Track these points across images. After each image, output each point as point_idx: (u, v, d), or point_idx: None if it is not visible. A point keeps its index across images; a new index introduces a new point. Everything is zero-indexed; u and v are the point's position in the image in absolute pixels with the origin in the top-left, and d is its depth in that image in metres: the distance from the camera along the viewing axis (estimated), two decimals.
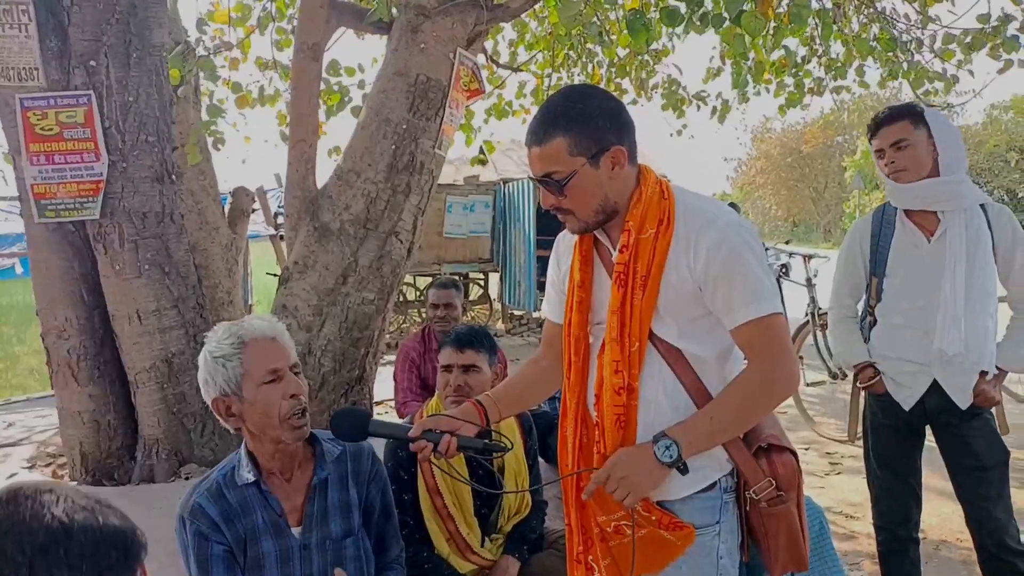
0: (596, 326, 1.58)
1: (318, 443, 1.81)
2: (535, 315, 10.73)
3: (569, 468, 1.61)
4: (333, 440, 1.83)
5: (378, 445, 2.06)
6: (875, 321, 2.60)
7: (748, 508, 1.53)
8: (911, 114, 2.43)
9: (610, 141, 1.45)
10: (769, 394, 1.47)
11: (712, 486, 1.51)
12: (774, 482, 1.49)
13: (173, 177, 3.76)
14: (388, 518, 1.94)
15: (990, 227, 2.38)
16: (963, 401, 2.38)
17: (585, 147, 1.44)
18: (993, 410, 2.48)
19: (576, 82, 6.72)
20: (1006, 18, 4.76)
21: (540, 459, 2.60)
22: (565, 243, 1.70)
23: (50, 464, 4.14)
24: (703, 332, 1.50)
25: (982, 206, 2.39)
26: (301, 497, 1.78)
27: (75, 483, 3.72)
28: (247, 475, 1.72)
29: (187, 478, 3.66)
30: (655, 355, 1.50)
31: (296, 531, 1.76)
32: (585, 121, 1.44)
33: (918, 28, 5.32)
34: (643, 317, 1.46)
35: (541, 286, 10.07)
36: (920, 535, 2.67)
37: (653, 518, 1.48)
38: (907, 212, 2.47)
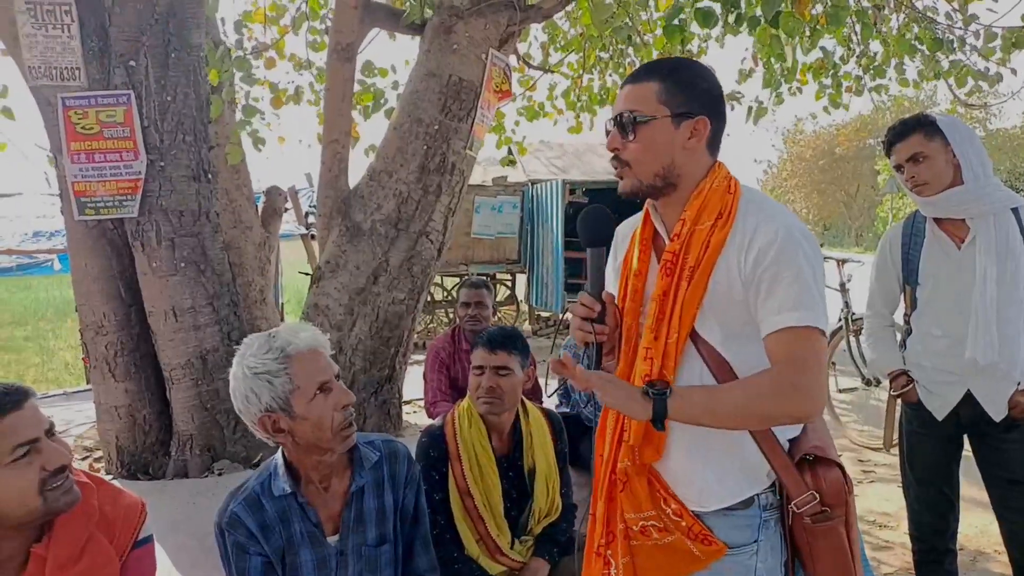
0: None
1: (356, 448, 1.79)
2: (562, 316, 10.72)
3: (604, 458, 1.56)
4: (370, 444, 1.83)
5: (410, 443, 2.07)
6: (911, 330, 2.56)
7: (791, 523, 1.45)
8: (923, 125, 2.36)
9: (699, 110, 1.43)
10: (784, 400, 1.33)
11: (749, 503, 1.44)
12: (818, 496, 1.40)
13: (209, 176, 3.82)
14: (418, 523, 1.91)
15: (1023, 231, 2.31)
16: (997, 413, 2.33)
17: (674, 101, 1.41)
18: None
19: (608, 83, 6.70)
20: None
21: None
22: (623, 233, 1.65)
23: (86, 458, 4.21)
24: (751, 341, 1.41)
25: (1015, 210, 2.33)
26: (338, 505, 1.77)
27: (111, 476, 3.78)
28: (284, 486, 1.71)
29: (220, 474, 3.71)
30: (695, 355, 1.44)
31: (332, 540, 1.75)
32: (684, 80, 1.43)
33: (959, 27, 5.21)
34: (684, 309, 1.40)
35: (568, 287, 10.06)
36: (957, 547, 2.62)
37: (684, 524, 1.44)
38: (937, 220, 2.42)
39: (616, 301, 1.56)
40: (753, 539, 1.44)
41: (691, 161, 1.44)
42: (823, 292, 1.40)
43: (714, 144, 1.47)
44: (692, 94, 1.42)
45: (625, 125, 1.43)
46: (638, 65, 6.26)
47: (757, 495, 1.45)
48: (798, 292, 1.35)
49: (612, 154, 1.48)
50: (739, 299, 1.40)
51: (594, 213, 1.55)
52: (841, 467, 1.45)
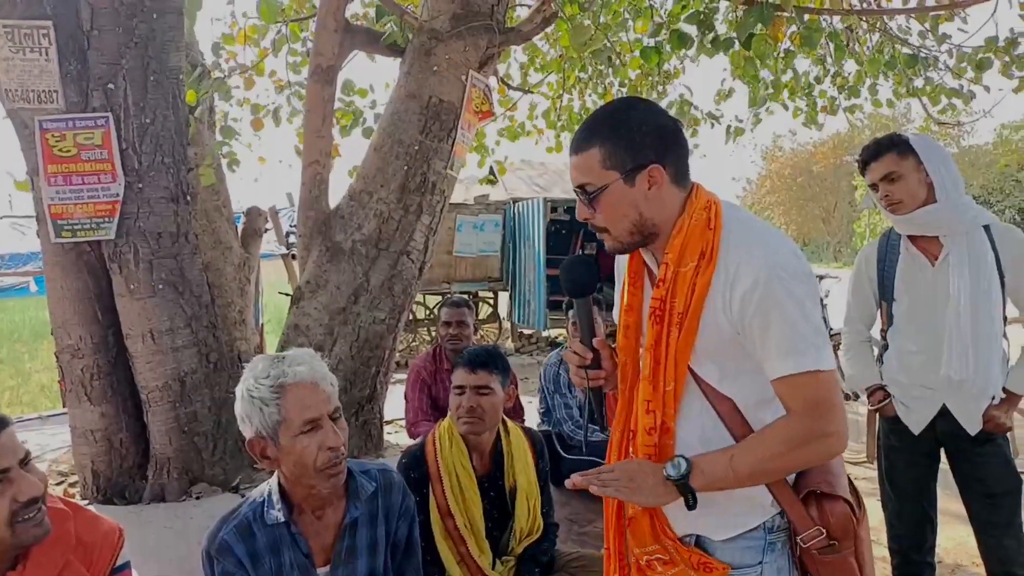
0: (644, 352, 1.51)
1: (352, 478, 1.76)
2: (544, 334, 10.74)
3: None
4: (366, 474, 1.81)
5: (391, 463, 2.06)
6: (888, 345, 2.60)
7: (800, 553, 1.44)
8: (896, 145, 2.41)
9: (648, 158, 1.37)
10: (809, 450, 1.34)
11: (755, 528, 1.44)
12: (824, 531, 1.39)
13: (188, 198, 3.80)
14: (411, 555, 1.89)
15: (995, 248, 2.36)
16: (972, 427, 2.37)
17: (619, 161, 1.37)
18: (1008, 434, 2.46)
19: (588, 103, 6.77)
20: (1015, 37, 4.78)
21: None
22: (622, 264, 1.62)
23: (61, 482, 4.14)
24: (751, 376, 1.39)
25: (986, 227, 2.37)
26: (331, 536, 1.74)
27: (87, 501, 3.72)
28: (277, 514, 1.67)
29: (198, 497, 3.66)
30: (696, 395, 1.42)
31: (323, 571, 1.73)
32: (624, 134, 1.37)
33: (933, 47, 5.34)
34: (678, 357, 1.37)
35: (551, 305, 10.09)
36: (936, 560, 2.64)
37: (685, 555, 1.45)
38: (911, 237, 2.46)
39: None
40: (758, 560, 1.44)
41: (660, 207, 1.41)
42: (818, 323, 1.33)
43: (680, 177, 1.42)
44: (636, 146, 1.37)
45: (584, 199, 1.42)
46: (616, 86, 6.37)
47: (763, 521, 1.45)
48: (790, 337, 1.31)
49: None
50: (730, 338, 1.37)
51: (576, 263, 1.56)
52: (848, 502, 1.43)
